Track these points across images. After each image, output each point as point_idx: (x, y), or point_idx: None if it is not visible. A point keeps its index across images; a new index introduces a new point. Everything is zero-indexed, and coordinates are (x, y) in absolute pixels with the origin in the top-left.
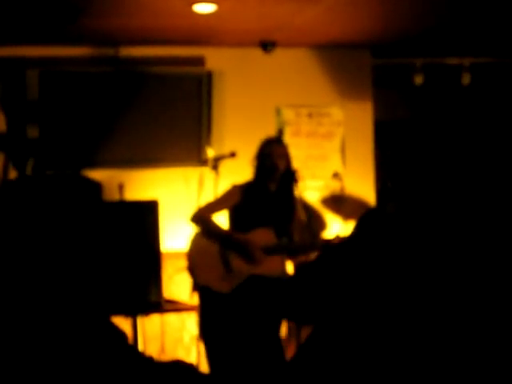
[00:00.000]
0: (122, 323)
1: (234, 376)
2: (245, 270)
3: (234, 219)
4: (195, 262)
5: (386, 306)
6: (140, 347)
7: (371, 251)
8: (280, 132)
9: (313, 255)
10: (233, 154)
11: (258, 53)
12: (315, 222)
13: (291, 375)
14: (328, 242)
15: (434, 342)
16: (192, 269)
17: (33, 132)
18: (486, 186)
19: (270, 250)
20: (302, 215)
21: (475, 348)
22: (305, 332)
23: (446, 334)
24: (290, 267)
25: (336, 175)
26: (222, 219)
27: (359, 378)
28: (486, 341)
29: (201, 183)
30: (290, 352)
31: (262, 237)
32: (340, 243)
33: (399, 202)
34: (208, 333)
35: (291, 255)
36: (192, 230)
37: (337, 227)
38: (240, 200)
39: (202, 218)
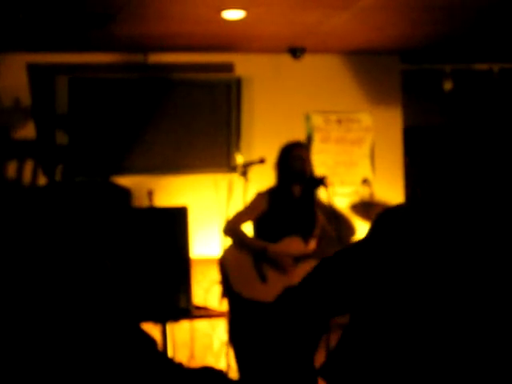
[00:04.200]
0: (152, 330)
1: (263, 382)
2: (279, 279)
3: (260, 227)
4: (229, 271)
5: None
6: (169, 354)
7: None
8: (309, 138)
9: None
10: (262, 161)
11: (287, 59)
12: (344, 228)
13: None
14: None
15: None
16: (226, 278)
17: (62, 138)
18: None
19: (301, 258)
20: (324, 222)
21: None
22: (333, 339)
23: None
24: None
25: (365, 181)
26: (249, 227)
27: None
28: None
29: (230, 189)
30: (319, 359)
31: (293, 246)
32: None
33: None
34: (238, 339)
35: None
36: (226, 242)
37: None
38: (266, 207)
39: (233, 230)
